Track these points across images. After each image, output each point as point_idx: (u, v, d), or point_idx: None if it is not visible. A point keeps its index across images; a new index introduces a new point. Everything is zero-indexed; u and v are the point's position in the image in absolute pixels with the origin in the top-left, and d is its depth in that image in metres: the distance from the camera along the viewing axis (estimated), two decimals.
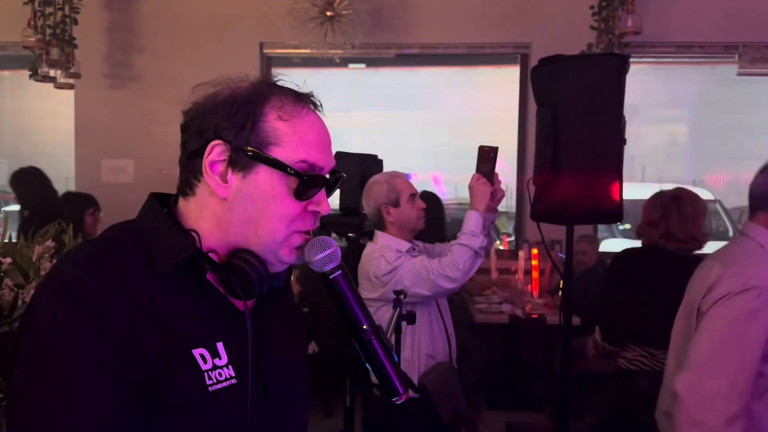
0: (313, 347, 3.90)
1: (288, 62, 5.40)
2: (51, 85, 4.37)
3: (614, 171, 2.52)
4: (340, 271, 0.93)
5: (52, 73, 4.28)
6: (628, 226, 6.68)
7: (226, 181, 0.89)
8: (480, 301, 4.39)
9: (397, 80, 8.71)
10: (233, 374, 0.88)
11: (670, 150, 7.75)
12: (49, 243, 2.05)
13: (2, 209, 7.65)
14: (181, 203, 0.94)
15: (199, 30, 4.83)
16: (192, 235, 0.90)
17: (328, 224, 2.66)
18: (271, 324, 0.99)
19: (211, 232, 0.91)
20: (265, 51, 5.03)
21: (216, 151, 0.89)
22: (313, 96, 0.96)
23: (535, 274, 4.36)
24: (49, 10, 4.14)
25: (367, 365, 0.94)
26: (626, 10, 4.17)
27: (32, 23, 4.06)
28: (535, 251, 4.42)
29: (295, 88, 0.95)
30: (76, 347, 0.78)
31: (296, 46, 4.77)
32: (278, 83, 0.95)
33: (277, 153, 0.89)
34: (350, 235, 2.65)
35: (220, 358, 0.87)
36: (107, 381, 0.78)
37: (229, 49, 4.79)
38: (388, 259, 2.28)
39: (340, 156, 2.66)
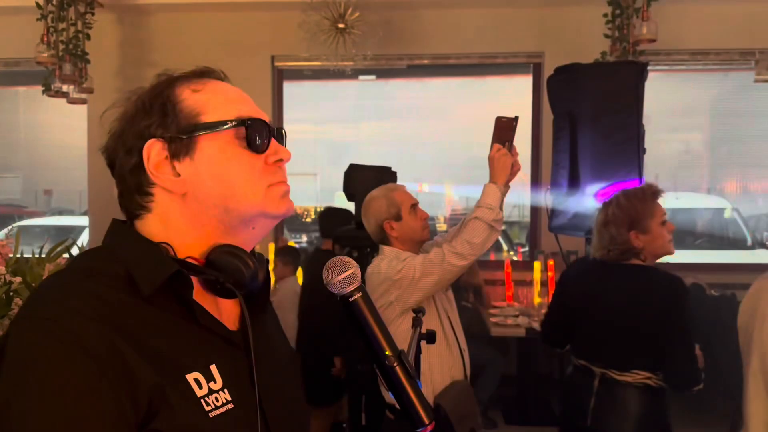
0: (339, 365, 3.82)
1: (299, 75, 5.40)
2: (64, 100, 4.38)
3: (635, 181, 2.46)
4: (360, 293, 0.88)
5: (65, 88, 4.29)
6: None
7: (178, 175, 0.85)
8: (495, 314, 4.33)
9: (408, 91, 8.69)
10: (229, 398, 0.82)
11: (684, 158, 7.65)
12: (61, 260, 2.02)
13: (15, 224, 7.68)
14: (140, 226, 0.88)
15: (210, 44, 4.84)
16: (165, 248, 0.85)
17: (342, 238, 2.62)
18: (261, 338, 0.92)
19: (186, 239, 0.86)
20: (277, 64, 5.03)
21: (154, 152, 0.84)
22: (217, 70, 0.93)
23: (551, 286, 4.29)
24: (62, 26, 4.15)
25: (390, 393, 0.89)
26: (641, 17, 4.12)
27: (45, 39, 4.08)
28: (551, 262, 4.35)
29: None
30: (64, 394, 0.70)
31: (308, 59, 4.76)
32: (177, 73, 0.91)
33: (209, 118, 0.85)
34: (365, 249, 2.60)
35: (215, 382, 0.81)
36: (101, 427, 0.71)
37: (240, 63, 4.78)
38: (397, 260, 2.21)
39: (355, 169, 2.63)
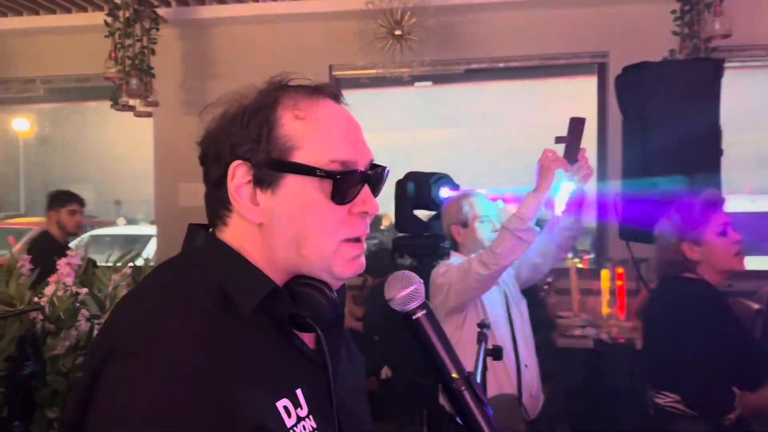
0: (386, 372, 3.79)
1: (356, 83, 5.40)
2: (131, 113, 4.51)
3: (712, 184, 2.31)
4: (424, 311, 0.82)
5: (131, 102, 4.42)
6: None
7: (257, 204, 0.81)
8: (561, 324, 4.16)
9: (465, 96, 8.60)
10: (315, 425, 0.78)
11: (761, 159, 7.25)
12: (126, 270, 2.05)
13: (87, 233, 7.98)
14: (220, 235, 0.85)
15: (269, 55, 4.90)
16: (258, 268, 0.81)
17: (400, 246, 2.57)
18: (336, 360, 0.88)
19: (258, 262, 0.82)
20: (335, 73, 5.04)
21: (239, 173, 0.80)
22: (330, 85, 0.86)
23: (621, 296, 4.10)
24: (128, 42, 4.28)
25: (458, 418, 0.82)
26: (713, 12, 3.90)
27: (113, 55, 4.22)
28: (620, 270, 4.16)
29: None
30: (160, 423, 0.66)
31: (365, 67, 4.75)
32: (289, 83, 0.85)
33: (302, 157, 0.80)
34: (424, 258, 2.53)
35: (301, 408, 0.77)
36: None
37: (299, 73, 4.81)
38: (446, 266, 2.17)
39: (410, 176, 2.57)
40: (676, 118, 2.30)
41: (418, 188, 2.64)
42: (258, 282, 0.79)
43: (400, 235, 2.63)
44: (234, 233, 0.83)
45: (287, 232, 0.80)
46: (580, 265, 5.32)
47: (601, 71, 4.78)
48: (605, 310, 4.24)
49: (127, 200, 11.08)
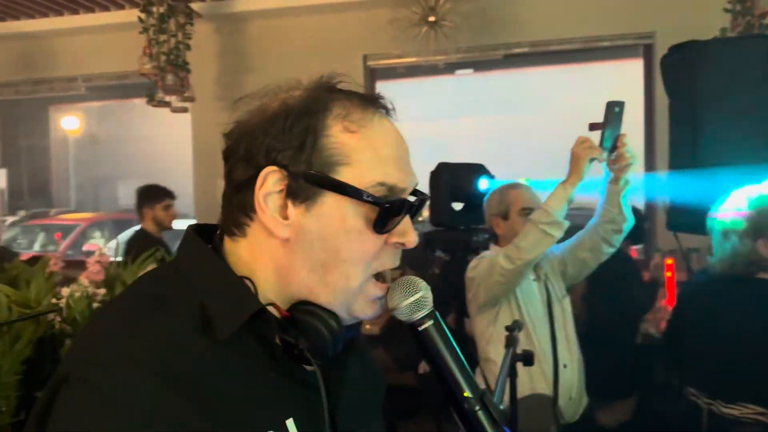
0: (423, 367, 3.71)
1: (392, 73, 5.30)
2: (168, 109, 4.54)
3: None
4: (431, 321, 0.74)
5: (167, 98, 4.44)
6: None
7: (286, 218, 0.71)
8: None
9: (507, 83, 8.39)
10: None
11: None
12: (151, 268, 2.02)
13: (130, 229, 8.13)
14: (229, 244, 0.76)
15: (304, 47, 4.85)
16: (247, 285, 0.72)
17: (432, 241, 2.47)
18: (345, 381, 0.80)
19: (268, 280, 0.73)
20: (369, 63, 4.96)
21: (271, 181, 0.71)
22: (383, 98, 0.77)
23: (670, 287, 3.89)
24: (162, 37, 4.30)
25: None
26: None
27: (148, 51, 4.24)
28: (669, 261, 3.95)
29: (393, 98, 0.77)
30: None
31: (400, 56, 4.66)
32: (338, 86, 0.76)
33: (348, 175, 0.71)
34: (455, 252, 2.44)
35: None
36: None
37: (333, 64, 4.74)
38: (479, 259, 2.09)
39: (444, 168, 2.48)
40: (728, 99, 2.13)
41: (456, 180, 2.54)
42: (243, 303, 0.70)
43: (433, 229, 2.54)
44: (251, 245, 0.74)
45: (315, 254, 0.72)
46: None
47: (647, 53, 4.55)
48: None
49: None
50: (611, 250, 2.13)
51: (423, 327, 0.73)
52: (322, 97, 0.73)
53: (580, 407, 2.16)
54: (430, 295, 0.74)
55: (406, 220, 0.75)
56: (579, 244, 2.17)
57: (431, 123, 8.60)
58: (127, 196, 11.66)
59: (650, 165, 4.53)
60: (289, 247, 0.72)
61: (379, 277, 0.75)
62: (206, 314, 0.69)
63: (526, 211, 2.15)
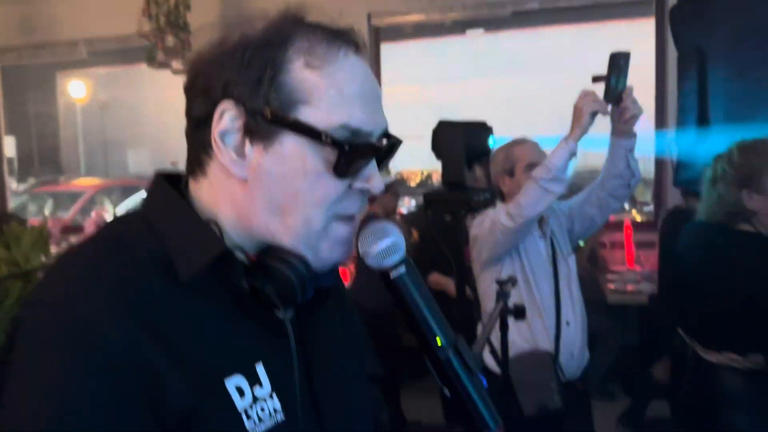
0: None
1: (399, 33, 5.19)
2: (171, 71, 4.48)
3: None
4: (404, 268, 0.70)
5: (169, 60, 4.38)
6: None
7: (243, 157, 0.68)
8: (613, 279, 3.97)
9: (518, 43, 8.20)
10: (278, 406, 0.68)
11: None
12: None
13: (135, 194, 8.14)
14: (193, 186, 0.74)
15: (305, 6, 4.75)
16: (213, 229, 0.70)
17: (432, 202, 2.43)
18: (320, 328, 0.78)
19: (232, 223, 0.71)
20: (373, 22, 4.84)
21: (227, 117, 0.67)
22: (353, 32, 0.72)
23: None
24: None
25: (445, 389, 0.71)
26: None
27: (146, 12, 4.17)
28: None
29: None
30: (75, 404, 0.58)
31: (405, 13, 4.54)
32: (304, 19, 0.71)
33: (309, 115, 0.66)
34: (456, 212, 2.39)
35: (261, 386, 0.68)
36: None
37: (335, 23, 4.66)
38: (483, 216, 2.07)
39: (444, 126, 2.41)
40: (736, 53, 2.05)
41: (469, 138, 2.48)
42: (206, 246, 0.68)
43: (432, 189, 2.49)
44: (212, 186, 0.71)
45: (274, 196, 0.69)
46: (638, 217, 5.05)
47: (660, 8, 4.40)
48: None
49: (183, 161, 11.32)
50: (618, 206, 2.11)
51: (396, 274, 0.70)
52: (285, 30, 0.69)
53: (582, 363, 2.15)
54: (402, 241, 0.71)
55: (372, 165, 0.71)
56: (586, 200, 2.13)
57: (440, 85, 8.47)
58: (136, 163, 11.70)
59: (660, 121, 4.42)
60: (247, 188, 0.69)
61: (346, 218, 0.72)
62: (169, 257, 0.67)
63: (532, 168, 2.11)
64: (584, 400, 2.26)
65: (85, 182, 8.60)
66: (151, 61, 4.32)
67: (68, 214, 6.51)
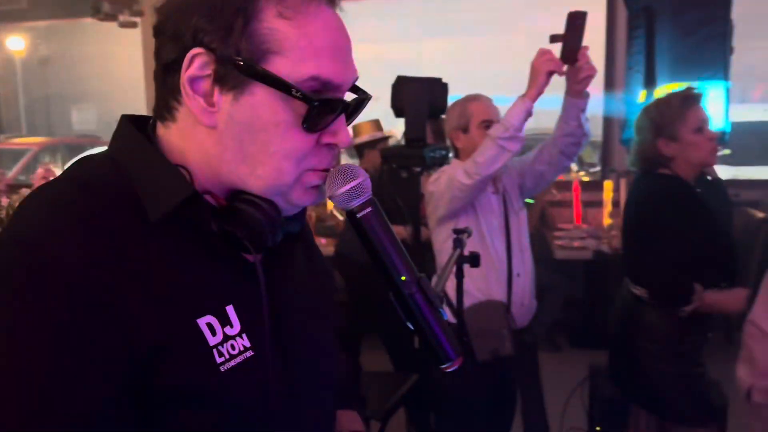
0: None
1: None
2: (134, 29, 4.31)
3: (719, 86, 2.17)
4: (370, 208, 0.74)
5: (115, 12, 4.22)
6: (728, 151, 6.12)
7: (212, 104, 0.68)
8: (561, 236, 4.12)
9: (475, 3, 8.20)
10: (248, 344, 0.71)
11: None
12: None
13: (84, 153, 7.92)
14: (161, 131, 0.74)
15: None
16: (182, 173, 0.71)
17: (390, 157, 2.46)
18: (288, 273, 0.81)
19: (201, 169, 0.71)
20: None
21: (197, 64, 0.67)
22: None
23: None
24: None
25: (409, 324, 0.76)
26: None
27: None
28: (624, 181, 4.05)
29: None
30: (46, 337, 0.59)
31: None
32: None
33: (279, 66, 0.67)
34: (415, 169, 2.43)
35: (231, 326, 0.70)
36: (90, 379, 0.60)
37: None
38: (440, 172, 2.13)
39: (403, 81, 2.44)
40: (683, 13, 2.13)
41: (430, 94, 2.48)
42: (175, 186, 0.68)
43: (389, 145, 2.52)
44: (181, 131, 0.72)
45: (245, 146, 0.69)
46: (585, 178, 5.22)
47: None
48: (607, 221, 4.17)
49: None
50: (568, 163, 2.18)
51: (361, 214, 0.73)
52: None
53: (531, 313, 2.26)
54: (368, 183, 0.74)
55: (340, 121, 0.72)
56: (537, 157, 2.19)
57: (396, 44, 8.42)
58: (81, 121, 11.26)
59: (610, 81, 4.53)
60: (217, 136, 0.70)
61: (319, 171, 0.73)
62: (138, 198, 0.68)
63: (486, 124, 2.15)
64: (532, 350, 2.38)
65: (28, 140, 8.25)
66: (97, 13, 4.15)
67: (11, 173, 6.27)
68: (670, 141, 1.96)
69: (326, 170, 0.73)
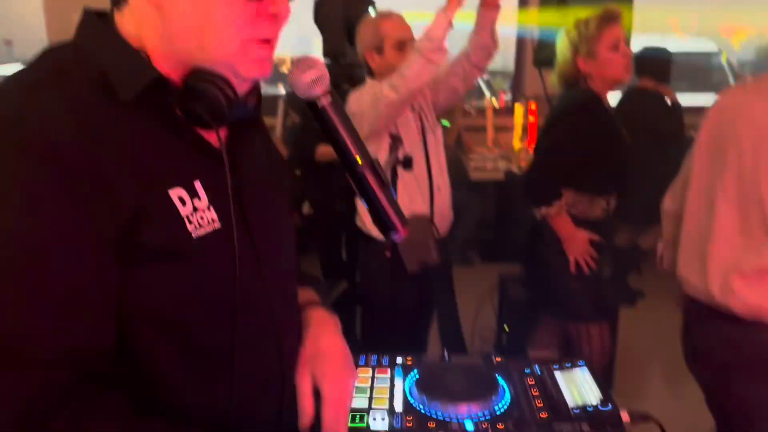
0: (307, 208, 3.87)
1: None
2: None
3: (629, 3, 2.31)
4: (329, 98, 0.82)
5: None
6: None
7: None
8: (475, 159, 4.32)
9: None
10: (215, 217, 0.77)
11: None
12: None
13: None
14: (118, 19, 0.77)
15: None
16: (143, 56, 0.75)
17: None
18: (248, 155, 0.87)
19: (156, 51, 0.76)
20: None
21: None
22: None
23: (532, 130, 4.25)
24: None
25: (363, 201, 0.86)
26: None
27: None
28: (533, 106, 4.27)
29: None
30: (33, 203, 0.64)
31: None
32: None
33: None
34: (338, 87, 2.47)
35: (199, 199, 0.76)
36: (75, 239, 0.66)
37: None
38: (361, 91, 2.15)
39: None
40: None
41: (347, 11, 2.45)
42: (140, 69, 0.73)
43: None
44: (133, 15, 0.75)
45: (188, 20, 0.73)
46: (495, 104, 5.43)
47: None
48: (517, 144, 4.41)
49: (19, 40, 10.06)
50: (479, 76, 2.29)
51: (321, 104, 0.81)
52: None
53: (448, 222, 2.41)
54: (327, 74, 0.81)
55: None
56: (451, 72, 2.27)
57: None
58: None
59: (524, 1, 4.64)
60: (164, 13, 0.73)
61: (262, 41, 0.77)
62: (106, 81, 0.72)
63: (401, 45, 2.19)
64: (447, 263, 2.53)
65: None
66: None
67: None
68: (588, 58, 2.11)
69: (268, 41, 0.78)
